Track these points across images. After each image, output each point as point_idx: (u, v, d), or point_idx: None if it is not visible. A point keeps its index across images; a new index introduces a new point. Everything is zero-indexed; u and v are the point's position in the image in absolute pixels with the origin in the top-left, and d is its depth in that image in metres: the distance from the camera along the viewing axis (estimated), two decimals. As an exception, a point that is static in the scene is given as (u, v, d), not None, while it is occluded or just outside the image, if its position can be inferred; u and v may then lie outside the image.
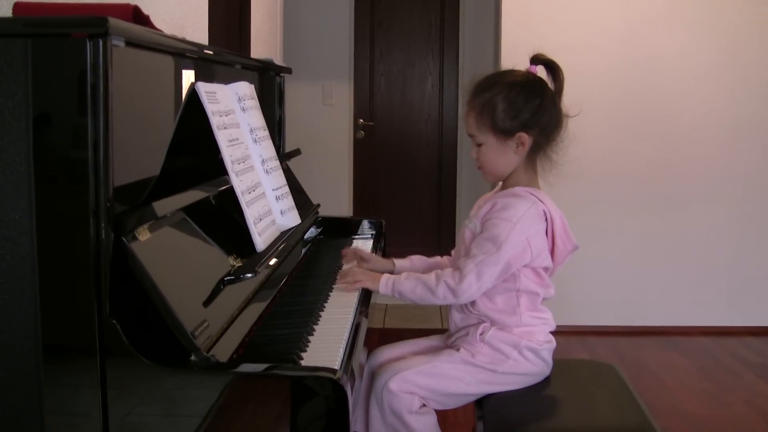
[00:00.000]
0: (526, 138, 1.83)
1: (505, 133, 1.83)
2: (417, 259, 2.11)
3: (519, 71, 1.87)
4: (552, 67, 1.88)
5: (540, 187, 1.90)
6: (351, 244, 2.48)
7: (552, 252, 1.87)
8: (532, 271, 1.86)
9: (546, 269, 1.89)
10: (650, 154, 4.21)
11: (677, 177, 4.23)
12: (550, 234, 1.85)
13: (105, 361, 1.23)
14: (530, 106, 1.82)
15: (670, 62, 4.16)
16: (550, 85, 1.87)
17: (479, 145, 1.87)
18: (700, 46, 4.16)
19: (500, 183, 1.95)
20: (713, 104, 4.20)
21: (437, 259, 2.11)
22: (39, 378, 1.24)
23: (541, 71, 1.88)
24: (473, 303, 1.88)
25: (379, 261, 2.11)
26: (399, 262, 2.10)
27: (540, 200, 1.84)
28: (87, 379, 1.24)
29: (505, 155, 1.86)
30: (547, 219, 1.84)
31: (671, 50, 4.16)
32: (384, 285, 1.90)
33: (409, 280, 1.88)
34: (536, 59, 1.88)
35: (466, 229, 1.92)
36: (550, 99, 1.84)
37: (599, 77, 4.15)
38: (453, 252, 2.05)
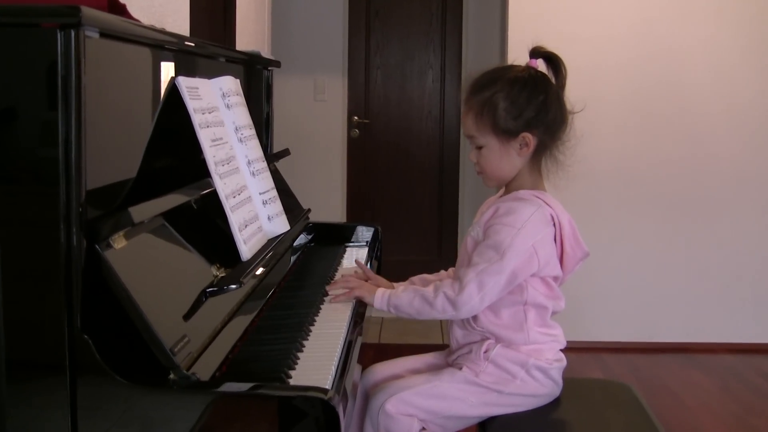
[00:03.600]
0: (530, 138, 1.84)
1: (507, 133, 1.84)
2: (418, 279, 2.10)
3: (519, 66, 1.88)
4: (553, 60, 1.88)
5: (546, 190, 1.91)
6: (344, 252, 2.48)
7: (561, 259, 1.87)
8: (541, 281, 1.86)
9: (555, 278, 1.89)
10: (668, 154, 4.21)
11: (698, 179, 4.23)
12: (559, 240, 1.85)
13: (76, 379, 1.23)
14: (534, 103, 1.82)
15: (690, 54, 4.17)
16: (552, 79, 1.87)
17: (479, 147, 1.88)
18: (723, 36, 4.17)
19: (504, 187, 1.95)
20: (738, 99, 4.20)
21: (441, 274, 2.11)
22: (3, 398, 1.24)
23: (541, 65, 1.88)
24: (476, 318, 1.88)
25: (381, 282, 2.09)
26: (399, 286, 2.09)
27: (546, 203, 1.84)
28: (56, 399, 1.24)
29: (508, 157, 1.86)
30: (555, 224, 1.84)
31: (691, 41, 4.16)
32: (379, 299, 1.90)
33: (406, 292, 1.88)
34: (536, 52, 1.89)
35: (468, 237, 1.92)
36: (554, 95, 1.85)
37: (613, 70, 4.17)
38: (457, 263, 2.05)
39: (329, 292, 1.96)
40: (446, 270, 2.12)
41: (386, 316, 4.73)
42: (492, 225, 1.84)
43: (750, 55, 4.18)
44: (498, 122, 1.83)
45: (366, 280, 2.05)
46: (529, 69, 1.87)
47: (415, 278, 2.11)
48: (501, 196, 1.94)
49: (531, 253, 1.81)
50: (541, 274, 1.85)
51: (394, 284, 2.09)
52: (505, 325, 1.87)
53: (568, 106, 1.88)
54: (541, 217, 1.82)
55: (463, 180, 5.29)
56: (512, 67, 1.89)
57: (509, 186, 1.92)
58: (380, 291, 1.91)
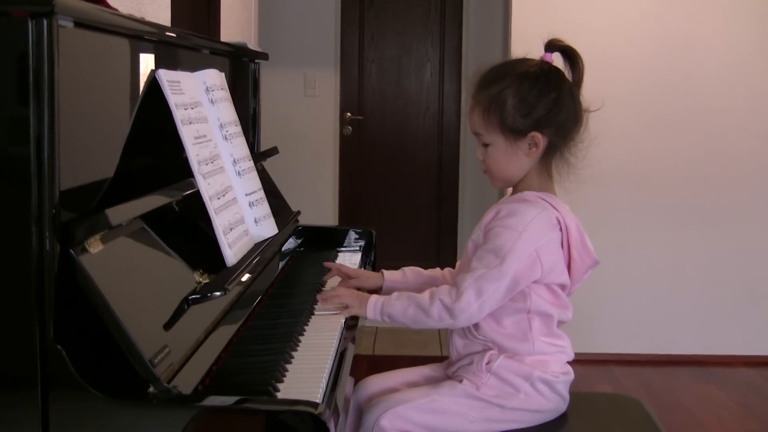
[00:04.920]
0: (539, 138, 1.84)
1: (515, 132, 1.84)
2: (411, 272, 2.12)
3: (532, 60, 1.88)
4: (570, 55, 1.88)
5: (556, 193, 1.91)
6: (336, 258, 2.48)
7: (568, 267, 1.88)
8: (546, 288, 1.87)
9: (562, 287, 1.89)
10: (685, 153, 4.21)
11: (716, 180, 4.24)
12: (566, 245, 1.85)
13: (48, 393, 1.23)
14: (545, 101, 1.82)
15: (704, 47, 4.17)
16: (568, 75, 1.88)
17: (486, 145, 1.88)
18: (739, 27, 4.17)
19: (510, 189, 1.96)
20: (760, 94, 4.20)
21: (435, 271, 2.12)
22: (-29, 413, 1.24)
23: (557, 59, 1.89)
24: (477, 326, 1.88)
25: (367, 277, 2.11)
26: (390, 275, 2.11)
27: (553, 206, 1.84)
28: (26, 414, 1.23)
29: (515, 157, 1.86)
30: (562, 228, 1.84)
31: (706, 33, 4.17)
32: (372, 308, 1.90)
33: (400, 300, 1.88)
34: (552, 45, 1.89)
35: (470, 242, 1.93)
36: (567, 93, 1.85)
37: (625, 63, 4.17)
38: (457, 264, 2.06)
39: (320, 304, 1.95)
40: (441, 269, 2.13)
41: (381, 326, 4.74)
42: (492, 228, 1.84)
43: (768, 47, 4.19)
44: (506, 120, 1.83)
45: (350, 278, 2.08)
46: (542, 64, 1.86)
47: (408, 269, 2.12)
48: (507, 198, 1.94)
49: (533, 258, 1.81)
50: (545, 281, 1.85)
51: (384, 272, 2.11)
52: (508, 334, 1.87)
53: (584, 105, 1.88)
54: (545, 221, 1.82)
55: (463, 181, 5.30)
56: (524, 60, 1.89)
57: (516, 187, 1.92)
58: (372, 300, 1.91)
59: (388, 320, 1.89)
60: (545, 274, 1.83)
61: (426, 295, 1.86)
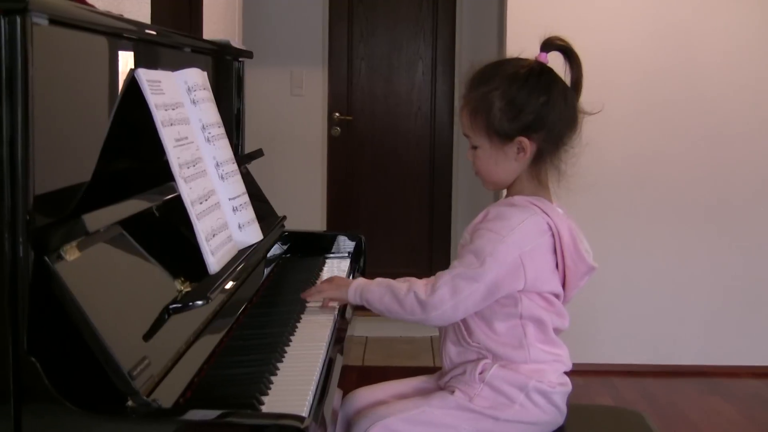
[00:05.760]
0: (527, 144, 1.84)
1: (502, 136, 1.84)
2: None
3: (525, 60, 1.88)
4: (569, 55, 1.88)
5: (550, 198, 1.91)
6: (324, 264, 2.48)
7: (563, 274, 1.87)
8: (537, 294, 1.87)
9: (556, 296, 1.89)
10: (688, 155, 4.22)
11: (721, 184, 4.24)
12: (559, 252, 1.85)
13: (21, 407, 1.23)
14: (533, 104, 1.82)
15: (709, 43, 4.18)
16: (566, 76, 1.87)
17: (475, 147, 1.89)
18: (747, 20, 4.18)
19: (505, 191, 1.96)
20: (765, 92, 4.21)
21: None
22: (-60, 428, 1.24)
23: (555, 59, 1.88)
24: (471, 332, 1.89)
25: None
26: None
27: (544, 212, 1.84)
28: None
29: (503, 161, 1.87)
30: (553, 233, 1.84)
31: (711, 27, 4.17)
32: (353, 292, 1.94)
33: (379, 287, 1.91)
34: (548, 44, 1.88)
35: (459, 246, 1.94)
36: (559, 96, 1.84)
37: (623, 60, 4.17)
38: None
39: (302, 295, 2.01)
40: None
41: (371, 336, 4.74)
42: (478, 229, 1.85)
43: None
44: (492, 123, 1.83)
45: None
46: (534, 64, 1.86)
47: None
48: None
49: (517, 264, 1.81)
50: (533, 290, 1.85)
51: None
52: (502, 341, 1.88)
53: (580, 108, 1.88)
54: (532, 226, 1.83)
55: (456, 184, 5.30)
56: (516, 61, 1.88)
57: (509, 190, 1.93)
58: (354, 284, 1.95)
59: (367, 305, 1.93)
60: (531, 283, 1.83)
61: (404, 285, 1.87)
